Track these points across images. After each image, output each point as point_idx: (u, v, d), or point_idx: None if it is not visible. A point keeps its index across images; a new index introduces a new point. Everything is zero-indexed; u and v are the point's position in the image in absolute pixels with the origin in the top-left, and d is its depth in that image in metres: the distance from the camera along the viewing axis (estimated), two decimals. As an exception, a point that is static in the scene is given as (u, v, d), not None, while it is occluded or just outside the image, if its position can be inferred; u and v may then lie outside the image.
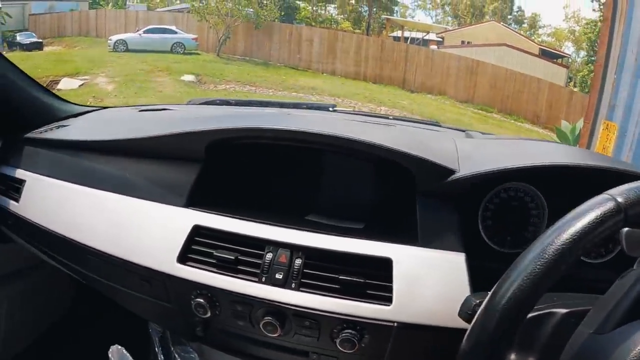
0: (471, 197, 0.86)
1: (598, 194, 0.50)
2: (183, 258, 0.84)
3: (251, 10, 12.39)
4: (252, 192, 1.00)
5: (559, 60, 14.30)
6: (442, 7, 19.38)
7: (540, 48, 14.75)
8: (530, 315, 0.56)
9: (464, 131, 1.32)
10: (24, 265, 1.39)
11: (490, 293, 0.52)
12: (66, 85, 9.00)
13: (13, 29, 12.16)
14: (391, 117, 1.45)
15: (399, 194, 0.93)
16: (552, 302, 0.58)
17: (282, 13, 13.73)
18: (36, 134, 1.15)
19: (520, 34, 15.86)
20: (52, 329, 1.54)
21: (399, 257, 0.77)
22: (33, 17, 13.10)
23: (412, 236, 0.80)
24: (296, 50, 12.44)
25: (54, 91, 1.38)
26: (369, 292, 0.76)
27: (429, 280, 0.75)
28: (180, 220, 0.86)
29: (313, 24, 16.01)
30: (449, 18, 19.12)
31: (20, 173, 1.10)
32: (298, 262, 0.79)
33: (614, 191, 0.49)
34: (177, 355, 1.09)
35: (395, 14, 17.95)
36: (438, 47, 14.48)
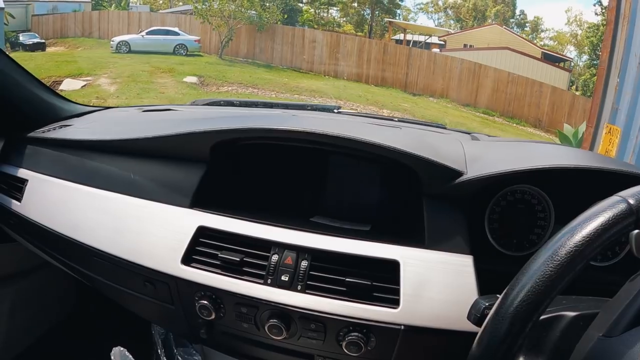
0: (478, 199, 0.86)
1: (604, 196, 0.50)
2: (187, 259, 0.83)
3: (254, 12, 12.43)
4: (257, 194, 1.00)
5: (561, 64, 14.32)
6: (444, 10, 19.44)
7: (542, 52, 14.78)
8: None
9: (469, 134, 1.31)
10: (27, 265, 1.38)
11: (501, 296, 0.51)
12: (69, 86, 9.02)
13: (16, 30, 12.22)
14: (396, 119, 1.44)
15: (406, 195, 0.93)
16: (560, 305, 0.58)
17: (285, 16, 13.80)
18: (39, 133, 1.14)
19: (522, 38, 15.90)
20: (54, 330, 1.53)
21: (406, 259, 0.76)
22: (36, 17, 13.17)
23: (419, 238, 0.79)
24: (298, 53, 12.47)
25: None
26: (375, 294, 0.75)
27: (436, 283, 0.75)
28: (185, 221, 0.86)
29: (315, 26, 16.06)
30: (452, 21, 19.18)
31: (22, 172, 1.09)
32: (304, 264, 0.78)
33: (626, 193, 0.48)
34: (180, 358, 1.08)
35: (397, 17, 18.01)
36: (440, 50, 14.52)
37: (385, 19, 17.14)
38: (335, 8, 17.54)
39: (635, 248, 0.47)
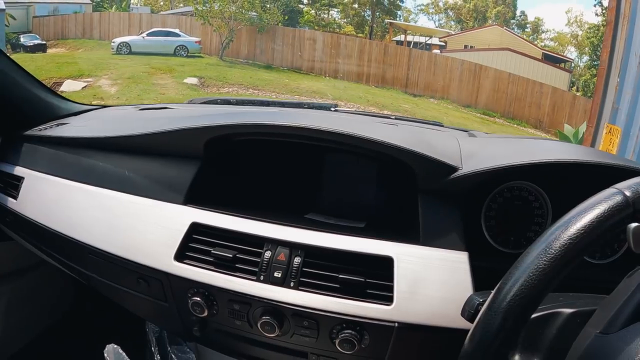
0: (474, 196, 0.85)
1: None
2: (180, 256, 0.82)
3: (254, 13, 12.46)
4: (253, 191, 0.99)
5: (562, 65, 14.32)
6: (445, 11, 19.45)
7: (543, 52, 14.78)
8: (535, 315, 0.54)
9: (466, 131, 1.30)
10: (22, 264, 1.38)
11: (494, 291, 0.50)
12: (69, 87, 9.03)
13: (17, 31, 12.25)
14: (393, 117, 1.44)
15: (402, 192, 0.92)
16: (557, 302, 0.57)
17: (286, 17, 13.81)
18: (36, 131, 1.14)
19: (523, 39, 15.90)
20: (50, 329, 1.53)
21: (400, 255, 0.75)
22: (37, 19, 13.21)
23: (414, 235, 0.78)
24: (299, 54, 12.48)
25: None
26: (369, 291, 0.74)
27: (430, 280, 0.74)
28: (178, 218, 0.85)
29: (316, 27, 16.08)
30: (452, 22, 19.20)
31: (19, 170, 1.09)
32: (297, 260, 0.77)
33: (622, 185, 0.47)
34: (173, 356, 1.07)
35: (398, 18, 18.03)
36: (441, 51, 14.54)
37: (386, 20, 17.16)
38: (335, 9, 17.58)
39: (633, 242, 0.45)
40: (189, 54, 12.13)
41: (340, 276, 0.74)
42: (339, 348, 0.74)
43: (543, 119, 11.03)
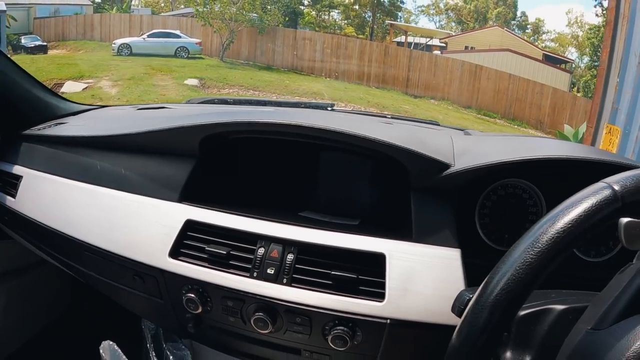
0: (468, 194, 0.85)
1: None
2: (175, 253, 0.83)
3: (255, 15, 12.47)
4: (247, 188, 1.00)
5: (562, 66, 14.31)
6: (445, 12, 19.46)
7: (543, 53, 14.78)
8: (526, 311, 0.54)
9: (462, 130, 1.30)
10: (21, 263, 1.38)
11: (481, 285, 0.50)
12: (70, 88, 9.06)
13: (18, 32, 12.28)
14: (389, 116, 1.44)
15: (395, 190, 0.92)
16: (549, 299, 0.57)
17: (286, 18, 13.83)
18: (34, 130, 1.15)
19: (523, 39, 15.90)
20: (48, 328, 1.53)
21: (393, 252, 0.75)
22: (38, 20, 13.25)
23: (407, 232, 0.78)
24: (299, 55, 12.49)
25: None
26: (361, 288, 0.75)
27: (423, 276, 0.74)
28: (173, 215, 0.86)
29: (317, 29, 16.10)
30: (453, 23, 19.20)
31: (17, 169, 1.10)
32: (290, 257, 0.78)
33: (611, 179, 0.47)
34: (169, 353, 1.08)
35: (399, 20, 18.04)
36: (441, 52, 14.54)
37: (387, 22, 17.17)
38: (336, 10, 17.60)
39: (624, 237, 0.45)
40: (189, 55, 12.15)
41: (333, 273, 0.75)
42: (331, 344, 0.74)
43: (543, 120, 11.02)
